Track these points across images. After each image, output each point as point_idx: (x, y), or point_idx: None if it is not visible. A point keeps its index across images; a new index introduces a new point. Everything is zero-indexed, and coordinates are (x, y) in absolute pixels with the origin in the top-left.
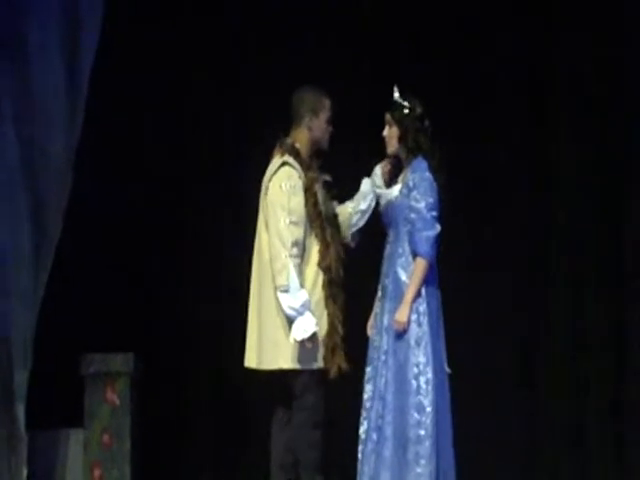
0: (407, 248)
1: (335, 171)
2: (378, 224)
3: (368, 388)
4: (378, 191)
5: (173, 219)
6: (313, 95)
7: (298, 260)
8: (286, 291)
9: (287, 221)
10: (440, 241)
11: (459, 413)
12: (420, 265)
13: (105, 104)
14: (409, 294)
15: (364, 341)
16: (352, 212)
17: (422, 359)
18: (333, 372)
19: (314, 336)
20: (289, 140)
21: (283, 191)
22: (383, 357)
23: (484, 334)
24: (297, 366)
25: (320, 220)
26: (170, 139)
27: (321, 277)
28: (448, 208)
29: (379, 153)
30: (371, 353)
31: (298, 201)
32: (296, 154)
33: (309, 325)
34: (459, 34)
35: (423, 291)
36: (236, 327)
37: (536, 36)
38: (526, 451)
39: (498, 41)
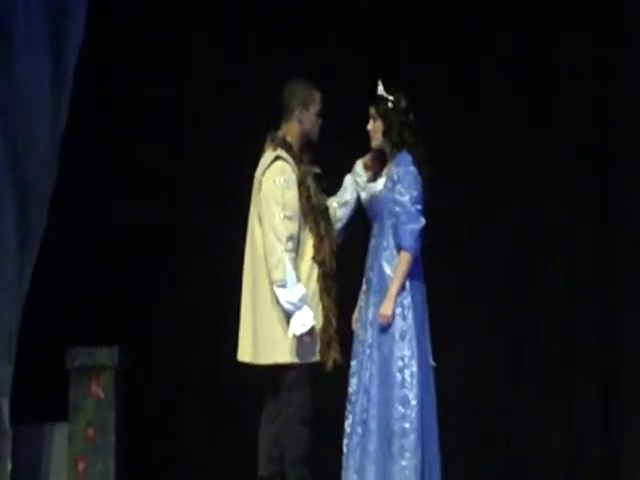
0: (392, 241)
1: (327, 166)
2: (363, 218)
3: (353, 382)
4: (360, 185)
5: (159, 212)
6: (304, 88)
7: (293, 254)
8: (283, 286)
9: (282, 215)
10: (425, 234)
11: (444, 407)
12: (404, 259)
13: (90, 97)
14: (393, 288)
15: (349, 335)
16: (337, 207)
17: (407, 352)
18: (329, 365)
19: (312, 330)
20: (280, 133)
21: (277, 185)
22: (368, 351)
23: (476, 331)
24: (295, 360)
25: (314, 214)
26: (157, 132)
27: (315, 271)
28: (448, 208)
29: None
30: (356, 347)
31: (292, 195)
32: (288, 148)
33: (307, 319)
34: (459, 34)
35: (408, 285)
36: (225, 321)
37: (536, 36)
38: (512, 446)
39: (498, 41)
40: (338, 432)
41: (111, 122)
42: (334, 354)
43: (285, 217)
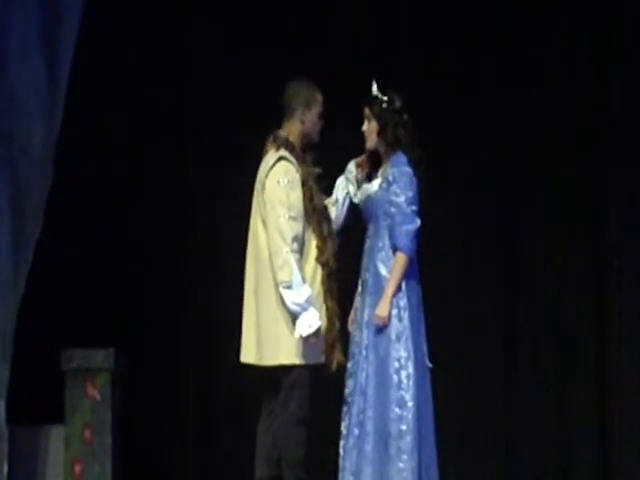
0: (387, 242)
1: (327, 166)
2: (358, 218)
3: (349, 383)
4: (350, 181)
5: (157, 213)
6: (307, 89)
7: (298, 255)
8: (289, 287)
9: (287, 216)
10: (420, 235)
11: (441, 408)
12: (400, 259)
13: (85, 98)
14: (389, 289)
15: (345, 336)
16: (330, 207)
17: (403, 354)
18: (334, 366)
19: (318, 331)
20: (283, 133)
21: (281, 186)
22: (364, 352)
23: (472, 332)
24: (299, 361)
25: (317, 214)
26: (154, 133)
27: (319, 272)
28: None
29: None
30: (352, 348)
31: (296, 196)
32: (291, 148)
33: (314, 320)
34: (459, 34)
35: (403, 286)
36: (221, 323)
37: (536, 36)
38: (508, 447)
39: (498, 41)
40: (335, 434)
41: (107, 123)
42: (338, 355)
43: (290, 218)
